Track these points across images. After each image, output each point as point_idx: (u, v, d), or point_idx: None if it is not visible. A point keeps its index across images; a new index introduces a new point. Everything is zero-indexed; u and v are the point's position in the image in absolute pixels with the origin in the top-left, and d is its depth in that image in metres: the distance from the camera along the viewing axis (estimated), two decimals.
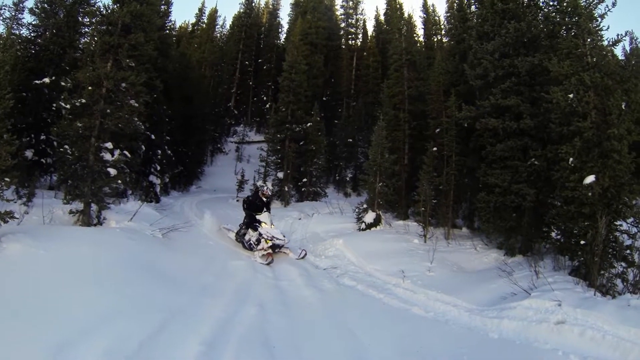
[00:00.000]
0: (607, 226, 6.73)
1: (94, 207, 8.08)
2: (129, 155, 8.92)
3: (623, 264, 6.92)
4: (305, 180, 19.04)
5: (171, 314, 4.88)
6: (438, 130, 12.83)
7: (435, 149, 12.46)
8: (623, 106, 7.52)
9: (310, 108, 20.01)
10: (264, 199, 10.50)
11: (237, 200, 18.19)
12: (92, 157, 8.01)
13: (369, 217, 12.48)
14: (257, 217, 9.98)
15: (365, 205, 12.92)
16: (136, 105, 8.65)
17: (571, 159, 7.73)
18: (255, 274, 7.71)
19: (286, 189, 18.09)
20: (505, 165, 9.71)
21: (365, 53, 32.10)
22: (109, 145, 8.30)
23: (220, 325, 4.94)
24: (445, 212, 11.93)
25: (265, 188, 10.69)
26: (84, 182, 7.90)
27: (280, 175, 18.70)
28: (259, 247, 9.50)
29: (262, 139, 26.90)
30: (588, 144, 7.63)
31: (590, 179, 7.33)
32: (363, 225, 12.40)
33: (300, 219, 13.83)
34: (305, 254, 9.77)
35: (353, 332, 5.52)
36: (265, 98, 35.13)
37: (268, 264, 8.94)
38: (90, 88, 8.11)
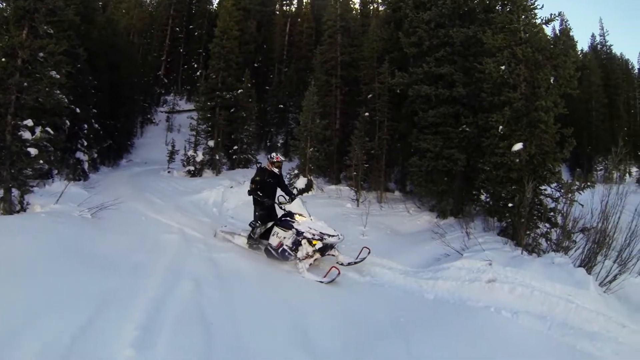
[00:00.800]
0: (533, 190, 6.99)
1: (15, 192, 7.03)
2: (51, 132, 7.85)
3: (547, 225, 7.28)
4: (236, 147, 18.37)
5: (104, 301, 4.27)
6: (370, 95, 12.71)
7: (367, 114, 12.37)
8: (552, 80, 7.82)
9: (242, 75, 19.27)
10: (276, 171, 7.40)
11: (169, 172, 17.29)
12: (9, 137, 6.94)
13: (301, 182, 12.19)
14: (285, 207, 6.87)
15: (296, 171, 12.60)
16: (57, 76, 7.51)
17: (501, 127, 7.95)
18: (188, 248, 7.01)
19: (217, 157, 17.39)
20: (437, 131, 9.81)
21: (299, 19, 31.06)
22: (29, 122, 7.22)
23: (155, 306, 4.38)
24: (378, 176, 11.94)
25: (274, 155, 7.50)
26: (2, 165, 6.86)
27: (211, 143, 17.85)
28: (301, 253, 6.29)
29: (192, 107, 25.45)
30: (517, 113, 7.87)
31: (518, 146, 7.58)
32: (295, 191, 12.01)
33: (232, 187, 13.09)
34: (369, 252, 6.71)
35: (290, 302, 5.14)
36: (196, 65, 33.18)
37: (332, 282, 5.86)
38: (3, 60, 6.98)
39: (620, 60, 34.37)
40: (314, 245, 6.27)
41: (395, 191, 12.64)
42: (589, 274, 5.33)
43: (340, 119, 14.85)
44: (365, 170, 11.76)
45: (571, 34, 32.65)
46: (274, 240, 6.68)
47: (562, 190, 7.09)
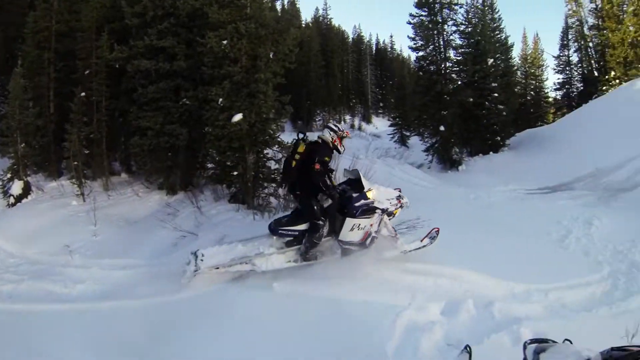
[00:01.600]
0: (256, 156, 7.46)
1: None
2: None
3: (273, 184, 7.94)
4: None
5: None
6: (87, 72, 10.84)
7: (83, 94, 10.43)
8: (271, 55, 8.26)
9: None
10: (341, 150, 5.23)
11: None
12: None
13: (17, 187, 9.48)
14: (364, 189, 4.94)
15: (10, 174, 9.80)
16: None
17: (221, 100, 8.04)
18: None
19: None
20: (158, 106, 9.24)
21: None
22: None
23: None
24: (100, 162, 10.51)
25: (342, 127, 5.33)
26: None
27: None
28: (386, 231, 5.04)
29: None
30: (237, 85, 8.07)
31: (238, 117, 7.82)
32: (12, 200, 9.41)
33: None
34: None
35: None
36: None
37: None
38: None
39: (337, 30, 40.83)
40: (395, 214, 5.16)
41: (122, 173, 11.47)
42: None
43: (54, 101, 11.95)
44: (86, 157, 10.17)
45: (298, 5, 36.30)
46: (355, 235, 4.93)
47: (283, 152, 7.77)
